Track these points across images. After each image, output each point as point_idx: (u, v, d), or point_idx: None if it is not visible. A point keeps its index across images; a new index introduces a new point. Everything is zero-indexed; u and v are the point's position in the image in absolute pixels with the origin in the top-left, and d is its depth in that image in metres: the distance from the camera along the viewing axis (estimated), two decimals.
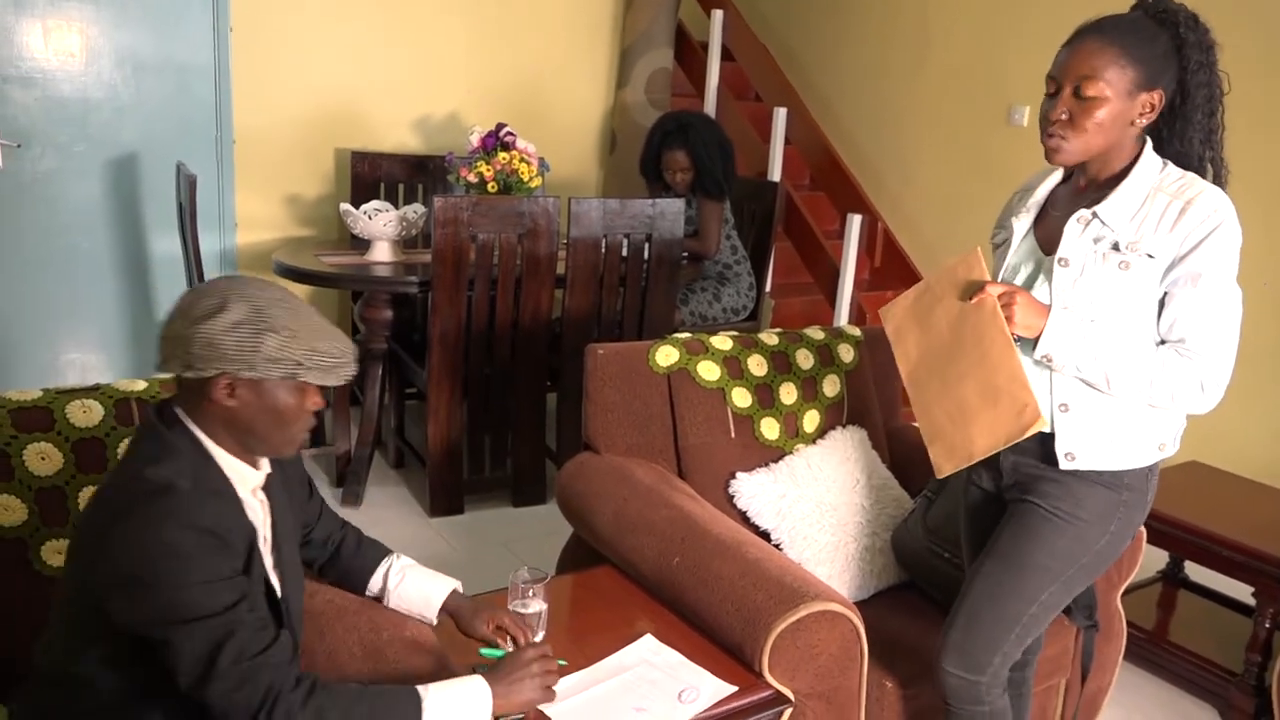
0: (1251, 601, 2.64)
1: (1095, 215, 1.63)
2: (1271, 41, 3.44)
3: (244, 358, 1.29)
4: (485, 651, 1.57)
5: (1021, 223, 1.76)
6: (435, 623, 1.69)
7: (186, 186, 3.20)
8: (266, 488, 1.45)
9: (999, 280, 1.76)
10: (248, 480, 1.40)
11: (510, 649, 1.61)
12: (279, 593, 1.42)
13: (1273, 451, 3.41)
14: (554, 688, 1.51)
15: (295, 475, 1.60)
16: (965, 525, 1.94)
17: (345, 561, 1.71)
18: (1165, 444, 1.70)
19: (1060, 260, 1.65)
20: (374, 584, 1.71)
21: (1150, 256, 1.58)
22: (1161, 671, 2.79)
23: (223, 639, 1.22)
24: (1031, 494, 1.73)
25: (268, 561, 1.41)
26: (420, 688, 1.34)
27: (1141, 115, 1.60)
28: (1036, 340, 1.61)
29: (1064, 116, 1.60)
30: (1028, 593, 1.73)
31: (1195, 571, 3.06)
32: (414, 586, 1.70)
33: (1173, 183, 1.61)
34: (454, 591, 1.70)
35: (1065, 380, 1.65)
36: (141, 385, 1.80)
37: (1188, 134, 1.63)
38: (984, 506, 1.87)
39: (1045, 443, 1.69)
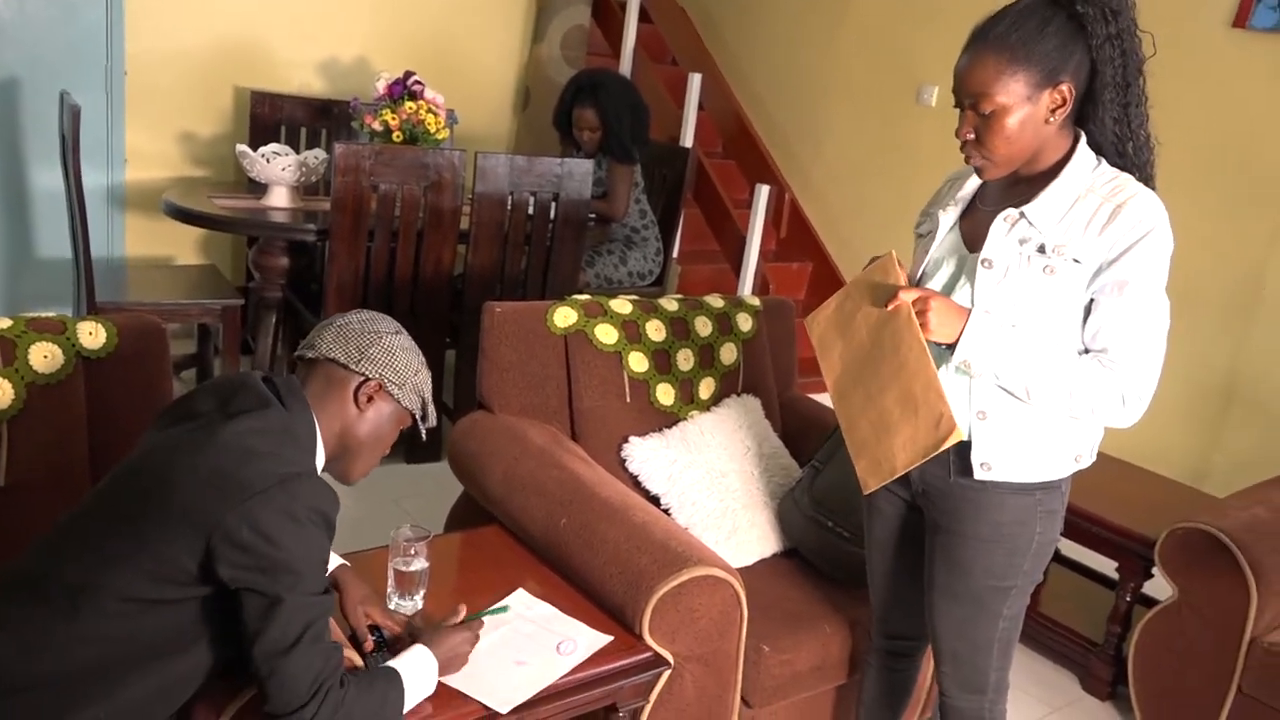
0: (1115, 576, 2.77)
1: (1023, 215, 1.55)
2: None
3: (403, 377, 1.52)
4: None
5: (948, 216, 1.68)
6: None
7: (69, 117, 3.04)
8: None
9: (919, 275, 1.70)
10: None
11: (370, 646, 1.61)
12: None
13: (1137, 434, 3.56)
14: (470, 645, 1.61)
15: None
16: (871, 525, 1.89)
17: None
18: (1081, 455, 1.65)
19: (984, 261, 1.57)
20: None
21: (1077, 261, 1.51)
22: (1028, 640, 2.90)
23: (315, 618, 1.32)
24: (945, 515, 1.70)
25: None
26: (392, 664, 1.46)
27: (1054, 111, 1.51)
28: (956, 345, 1.54)
29: (971, 136, 1.54)
30: (990, 615, 1.72)
31: (1065, 546, 3.19)
32: None
33: (1105, 184, 1.53)
34: (344, 566, 1.69)
35: (984, 388, 1.59)
36: (7, 323, 1.71)
37: (1098, 115, 1.53)
38: (893, 511, 1.83)
39: (959, 452, 1.63)
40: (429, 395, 1.58)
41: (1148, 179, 1.57)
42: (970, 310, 1.55)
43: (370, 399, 1.51)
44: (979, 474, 1.62)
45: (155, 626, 1.32)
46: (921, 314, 1.53)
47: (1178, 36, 3.57)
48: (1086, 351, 1.56)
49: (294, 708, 1.29)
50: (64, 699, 1.27)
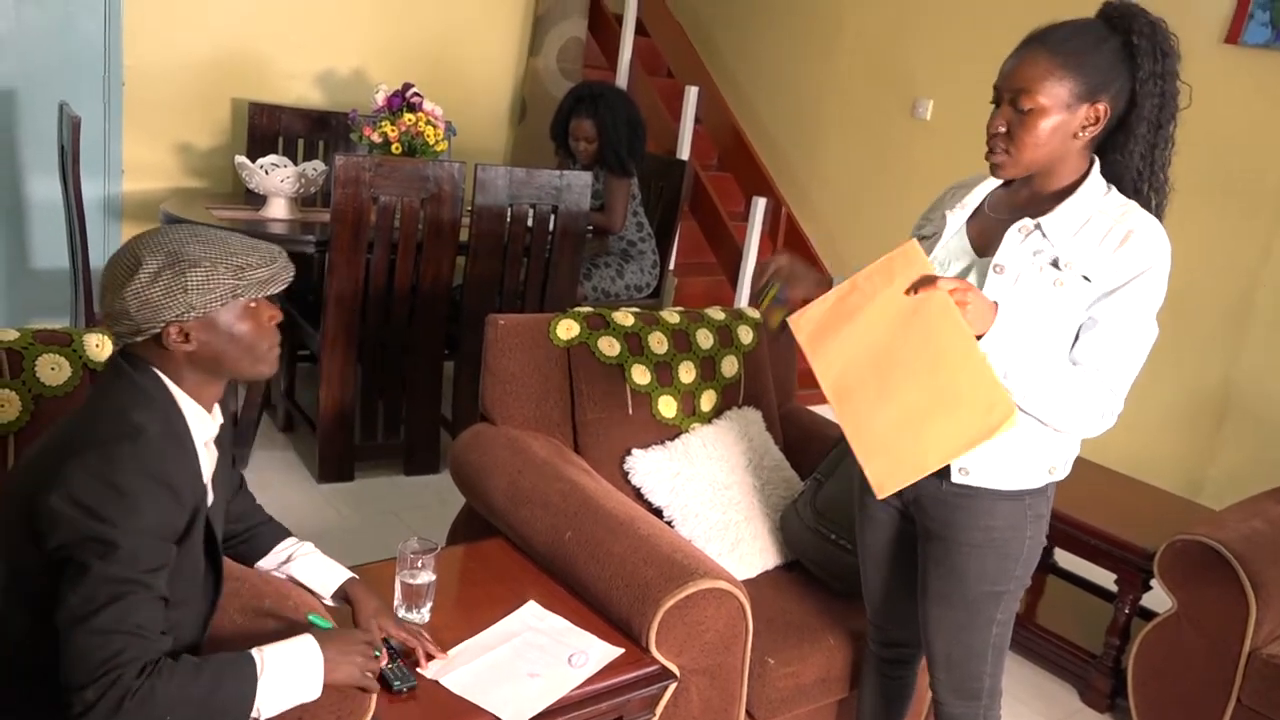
0: (1114, 588, 2.78)
1: (1038, 227, 1.57)
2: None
3: (179, 301, 1.29)
4: (313, 618, 1.51)
5: (956, 217, 1.70)
6: (329, 602, 1.67)
7: (69, 128, 3.04)
8: (217, 441, 1.45)
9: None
10: (205, 429, 1.39)
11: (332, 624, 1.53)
12: (216, 541, 1.42)
13: (1132, 446, 3.59)
14: (373, 678, 1.45)
15: (226, 444, 1.57)
16: (864, 533, 1.90)
17: (254, 533, 1.68)
18: (1055, 468, 1.68)
19: (996, 266, 1.60)
20: (270, 555, 1.68)
21: (1086, 279, 1.54)
22: (1027, 653, 2.92)
23: (124, 594, 1.21)
24: (936, 522, 1.72)
25: (209, 506, 1.41)
26: (255, 651, 1.33)
27: (1085, 128, 1.54)
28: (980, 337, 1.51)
29: (1002, 129, 1.56)
30: (984, 620, 1.74)
31: (1063, 558, 3.20)
32: (313, 565, 1.67)
33: (1115, 208, 1.57)
34: (353, 579, 1.67)
35: None
36: (13, 335, 1.71)
37: (1129, 146, 1.57)
38: (888, 519, 1.84)
39: None
40: (224, 275, 1.30)
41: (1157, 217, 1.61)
42: (998, 305, 1.53)
43: (184, 338, 1.31)
44: (956, 478, 1.65)
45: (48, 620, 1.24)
46: (961, 304, 1.47)
47: None
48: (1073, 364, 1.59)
49: (74, 686, 1.18)
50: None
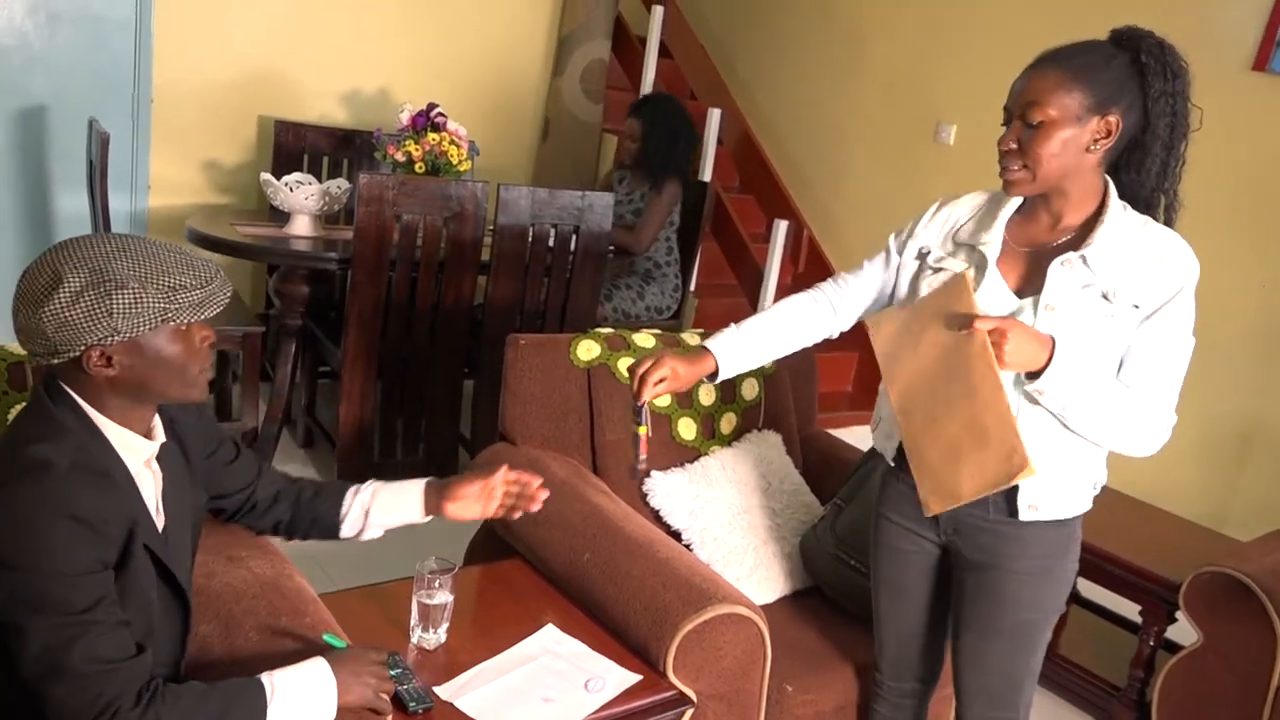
0: (1138, 619, 2.74)
1: (1083, 259, 1.56)
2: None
3: (102, 325, 1.19)
4: (328, 638, 1.49)
5: (991, 251, 1.65)
6: (424, 519, 1.70)
7: (98, 144, 3.08)
8: (160, 457, 1.37)
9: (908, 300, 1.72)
10: (139, 452, 1.31)
11: (345, 641, 1.50)
12: (168, 565, 1.34)
13: (1154, 475, 3.54)
14: (387, 699, 1.42)
15: (199, 445, 1.50)
16: (880, 565, 1.87)
17: (307, 508, 1.66)
18: (1098, 482, 1.70)
19: (1047, 306, 1.57)
20: (346, 514, 1.67)
21: (1136, 306, 1.55)
22: (1049, 684, 2.87)
23: (75, 637, 1.15)
24: (984, 552, 1.70)
25: (158, 530, 1.34)
26: (265, 676, 1.29)
27: (1097, 141, 1.53)
28: (1033, 372, 1.53)
29: (1013, 146, 1.55)
30: (1027, 648, 1.75)
31: (1087, 588, 3.16)
32: (389, 497, 1.68)
33: (1138, 226, 1.58)
34: (429, 483, 1.69)
35: (1034, 435, 1.58)
36: None
37: (1145, 164, 1.58)
38: (919, 553, 1.81)
39: (1003, 492, 1.63)
40: (153, 297, 1.21)
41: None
42: (1054, 340, 1.53)
43: (106, 362, 1.22)
44: (1025, 515, 1.65)
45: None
46: (997, 346, 1.49)
47: (1196, 79, 3.58)
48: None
49: None
50: None
